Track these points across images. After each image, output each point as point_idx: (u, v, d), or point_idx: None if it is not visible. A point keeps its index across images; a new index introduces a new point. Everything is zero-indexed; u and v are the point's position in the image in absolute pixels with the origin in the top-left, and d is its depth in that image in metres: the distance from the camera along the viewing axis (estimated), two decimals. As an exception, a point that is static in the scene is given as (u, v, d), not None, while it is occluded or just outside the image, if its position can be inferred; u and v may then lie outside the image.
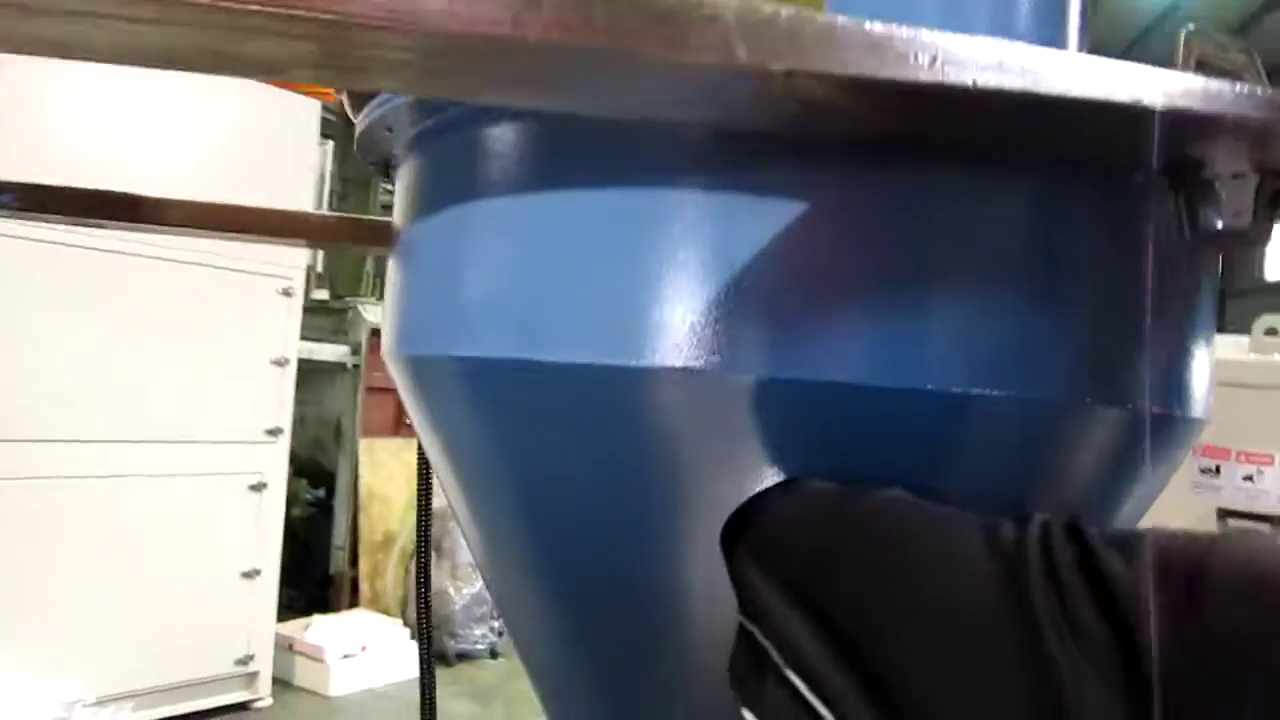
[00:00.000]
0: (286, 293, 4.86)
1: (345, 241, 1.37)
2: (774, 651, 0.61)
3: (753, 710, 0.65)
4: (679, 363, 0.70)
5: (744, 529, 0.72)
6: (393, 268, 1.00)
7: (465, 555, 5.98)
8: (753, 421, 0.72)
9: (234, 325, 4.68)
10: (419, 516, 1.43)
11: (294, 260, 4.97)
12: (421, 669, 1.28)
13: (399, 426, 6.72)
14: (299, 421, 5.83)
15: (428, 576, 1.32)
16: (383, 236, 1.28)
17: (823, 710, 0.56)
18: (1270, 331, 2.07)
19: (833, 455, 0.71)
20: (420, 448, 1.22)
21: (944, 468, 0.72)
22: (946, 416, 0.70)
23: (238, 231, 1.34)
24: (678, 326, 0.71)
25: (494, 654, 6.13)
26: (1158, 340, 0.75)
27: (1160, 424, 0.76)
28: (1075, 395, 0.72)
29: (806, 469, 0.72)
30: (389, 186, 1.06)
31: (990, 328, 0.71)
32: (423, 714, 1.32)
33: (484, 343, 0.81)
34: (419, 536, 1.35)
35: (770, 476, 0.73)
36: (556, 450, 0.82)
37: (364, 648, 5.49)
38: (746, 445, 0.73)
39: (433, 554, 6.00)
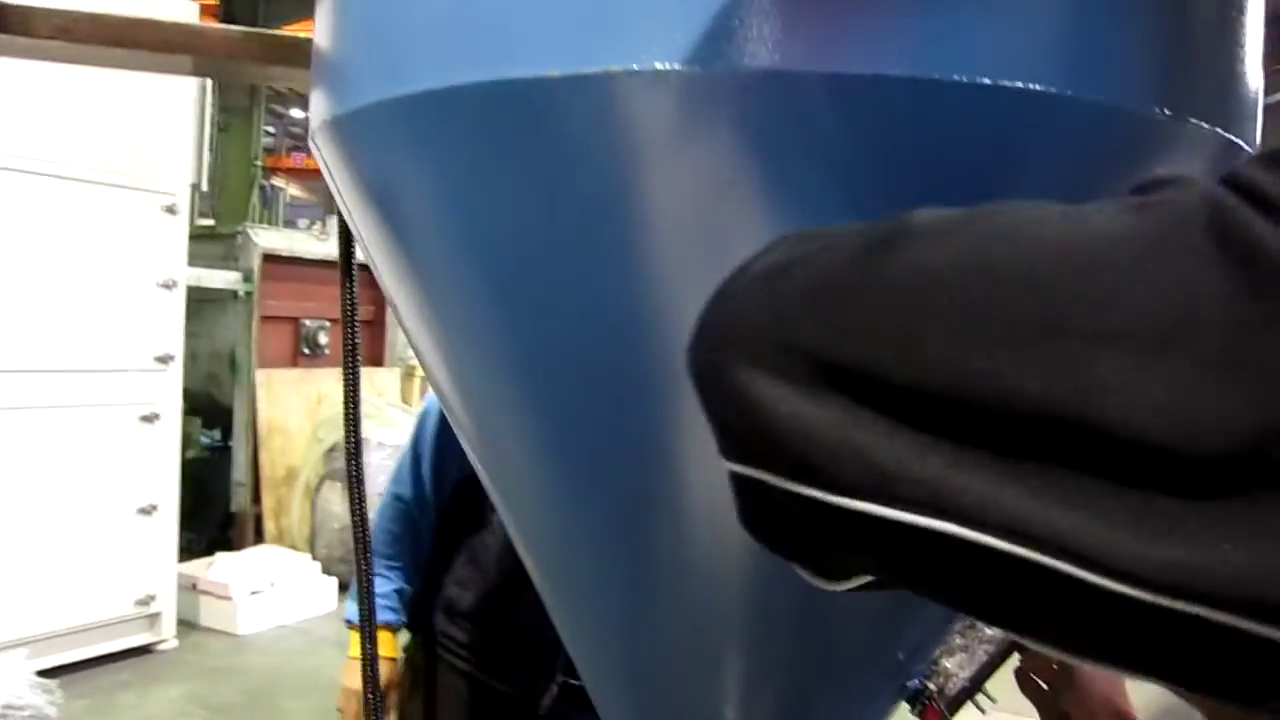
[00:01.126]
0: (170, 210, 4.55)
1: (251, 61, 1.20)
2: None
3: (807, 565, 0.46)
4: (677, 62, 0.58)
5: (753, 318, 0.46)
6: (320, 34, 0.85)
7: (375, 485, 5.80)
8: (770, 125, 0.60)
9: (115, 246, 4.37)
10: (347, 418, 1.27)
11: (177, 176, 4.66)
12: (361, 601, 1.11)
13: (297, 357, 6.46)
14: (190, 356, 5.54)
15: (362, 506, 1.15)
16: (295, 54, 1.11)
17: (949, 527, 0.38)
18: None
19: (875, 159, 0.60)
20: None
21: (1001, 176, 0.62)
22: (1007, 117, 0.60)
23: (122, 46, 1.16)
24: (677, 17, 0.58)
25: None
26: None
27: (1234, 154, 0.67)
28: (1150, 104, 0.62)
29: (838, 187, 0.61)
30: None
31: (1057, 19, 0.60)
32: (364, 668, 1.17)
33: (441, 70, 0.67)
34: (349, 455, 1.18)
35: (787, 205, 0.61)
36: (529, 195, 0.69)
37: (273, 584, 5.29)
38: (757, 157, 0.61)
39: (341, 485, 5.80)
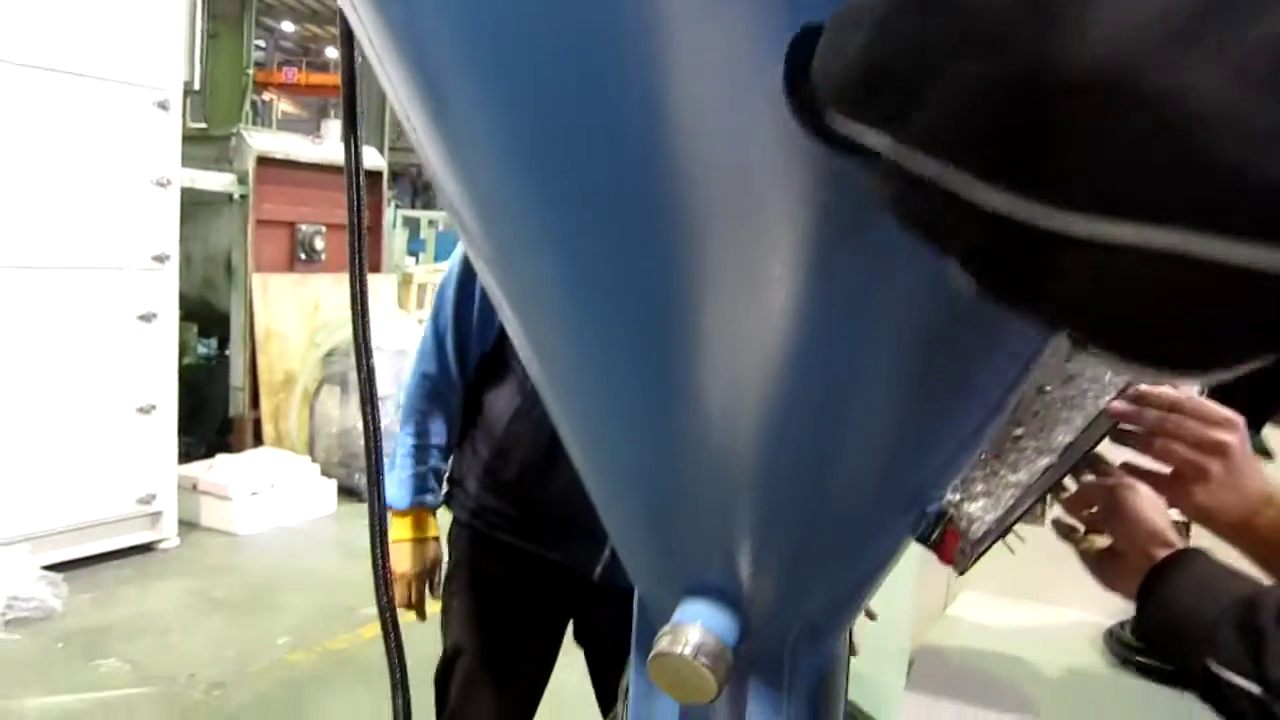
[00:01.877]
0: (162, 106, 4.47)
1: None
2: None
3: None
4: None
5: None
6: None
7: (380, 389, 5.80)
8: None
9: (108, 142, 4.30)
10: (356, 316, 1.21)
11: (169, 72, 4.57)
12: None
13: (293, 262, 6.42)
14: (185, 260, 5.50)
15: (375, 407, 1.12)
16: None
17: None
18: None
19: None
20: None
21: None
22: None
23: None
24: None
25: (407, 489, 6.04)
26: None
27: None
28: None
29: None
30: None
31: None
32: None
33: None
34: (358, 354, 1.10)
35: None
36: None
37: (272, 485, 5.33)
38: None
39: (338, 390, 5.82)
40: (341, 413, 5.91)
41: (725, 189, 0.64)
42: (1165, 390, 0.87)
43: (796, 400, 0.74)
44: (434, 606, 2.09)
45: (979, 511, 0.90)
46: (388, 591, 1.13)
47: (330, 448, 5.96)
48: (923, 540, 0.85)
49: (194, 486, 5.20)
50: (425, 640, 3.61)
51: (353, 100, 0.98)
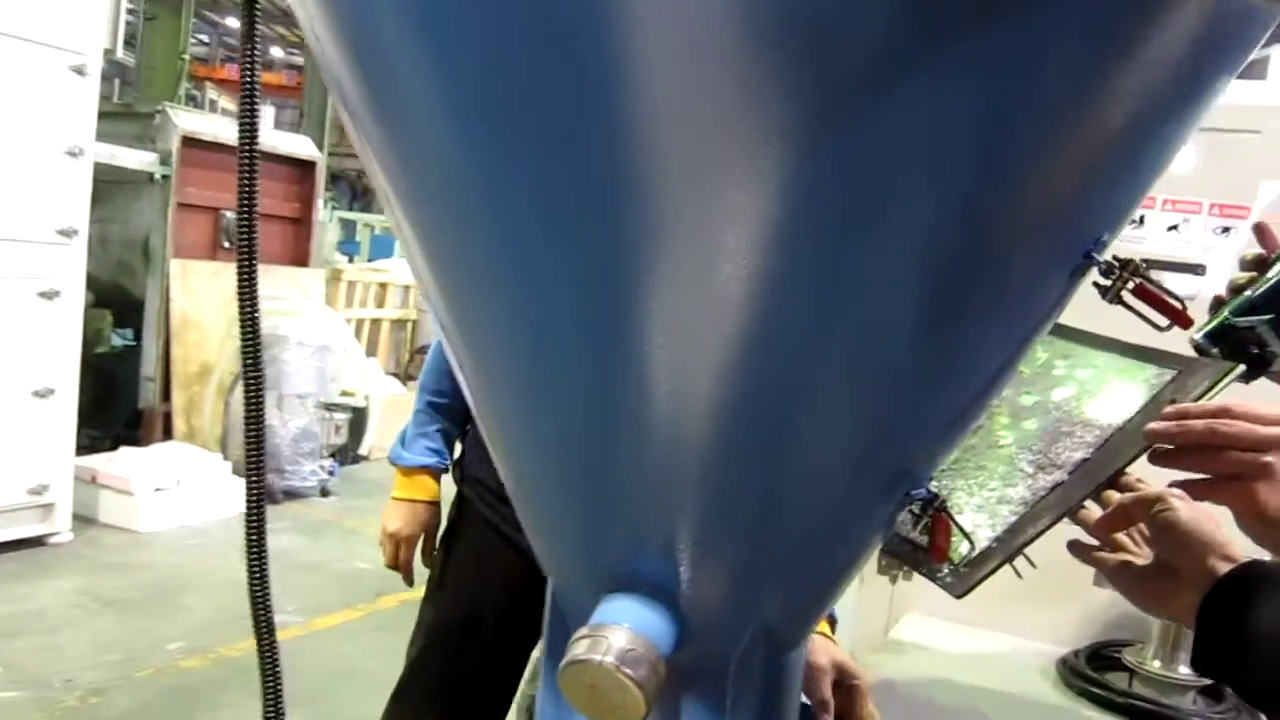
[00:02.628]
0: (79, 71, 4.20)
1: None
2: None
3: None
4: None
5: None
6: None
7: (292, 386, 5.56)
8: None
9: (16, 106, 4.02)
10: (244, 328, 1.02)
11: (88, 35, 4.29)
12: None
13: (216, 250, 6.13)
14: (99, 241, 5.20)
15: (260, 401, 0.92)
16: None
17: None
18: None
19: None
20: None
21: None
22: None
23: None
24: None
25: (324, 492, 5.77)
26: None
27: None
28: None
29: None
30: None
31: None
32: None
33: None
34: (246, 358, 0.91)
35: None
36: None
37: (179, 481, 5.04)
38: None
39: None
40: (259, 409, 5.62)
41: (676, 149, 0.52)
42: (1206, 403, 0.77)
43: (753, 365, 0.59)
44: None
45: (970, 526, 0.75)
46: (266, 605, 0.94)
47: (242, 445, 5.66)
48: (908, 541, 0.70)
49: (93, 479, 4.88)
50: (322, 652, 3.39)
51: (252, 66, 0.79)
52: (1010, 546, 0.76)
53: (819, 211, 0.54)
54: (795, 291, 0.57)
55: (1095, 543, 0.85)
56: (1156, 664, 1.66)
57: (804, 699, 1.11)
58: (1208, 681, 1.63)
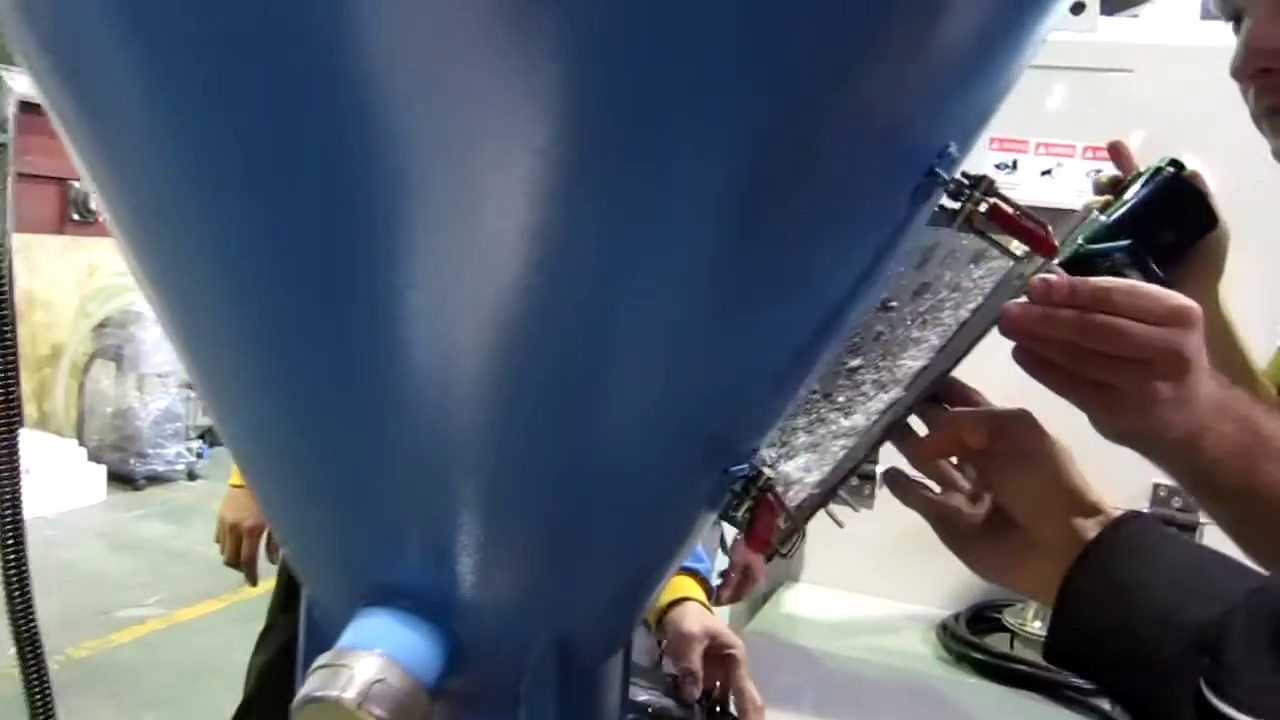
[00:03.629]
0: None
1: None
2: None
3: None
4: None
5: None
6: None
7: (151, 365, 5.24)
8: None
9: None
10: None
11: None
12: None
13: (64, 223, 5.73)
14: (-69, 214, 4.79)
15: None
16: None
17: None
18: (1077, 7, 1.85)
19: None
20: None
21: None
22: None
23: None
24: None
25: (192, 475, 5.48)
26: None
27: None
28: None
29: None
30: None
31: None
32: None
33: None
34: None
35: None
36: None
37: (28, 470, 4.69)
38: None
39: (114, 366, 5.23)
40: (117, 390, 5.29)
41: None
42: (1086, 280, 0.57)
43: (528, 321, 0.45)
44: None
45: (798, 471, 0.62)
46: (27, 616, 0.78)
47: (103, 429, 5.33)
48: (727, 518, 0.57)
49: (-69, 472, 4.52)
50: (183, 646, 3.17)
51: None
52: (829, 487, 0.62)
53: (600, 123, 0.40)
54: (577, 226, 0.43)
55: (921, 476, 0.65)
56: (1037, 625, 1.60)
57: (671, 669, 1.00)
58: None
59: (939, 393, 0.63)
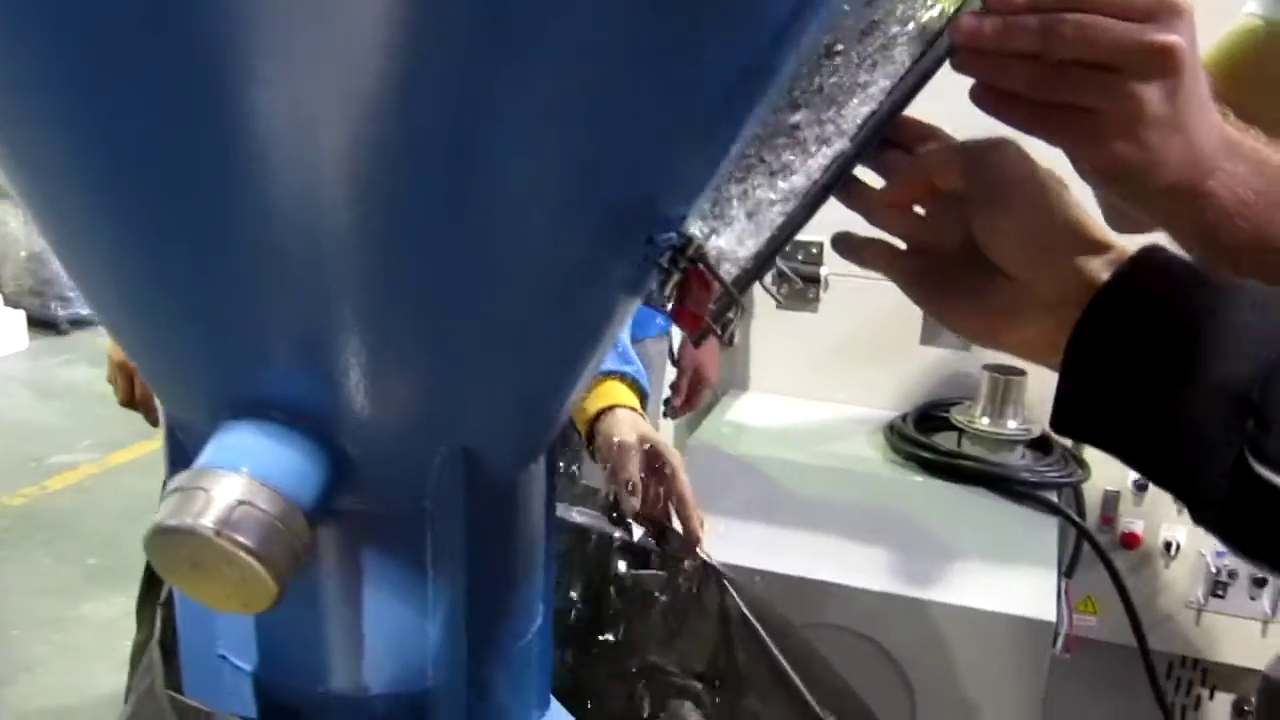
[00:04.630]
0: None
1: None
2: None
3: None
4: None
5: None
6: None
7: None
8: None
9: None
10: None
11: None
12: None
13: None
14: None
15: None
16: None
17: None
18: None
19: None
20: None
21: None
22: None
23: None
24: None
25: (119, 318, 5.28)
26: None
27: None
28: None
29: None
30: None
31: None
32: None
33: None
34: None
35: None
36: None
37: (-58, 320, 4.50)
38: None
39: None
40: (28, 232, 5.02)
41: None
42: None
43: (405, 56, 0.35)
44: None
45: (731, 245, 0.52)
46: None
47: (19, 274, 5.09)
48: (653, 302, 0.48)
49: None
50: (120, 490, 3.09)
51: None
52: (763, 258, 0.52)
53: None
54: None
55: (877, 234, 0.54)
56: (985, 421, 1.57)
57: (608, 483, 0.94)
58: (1036, 435, 1.57)
59: (892, 137, 0.53)
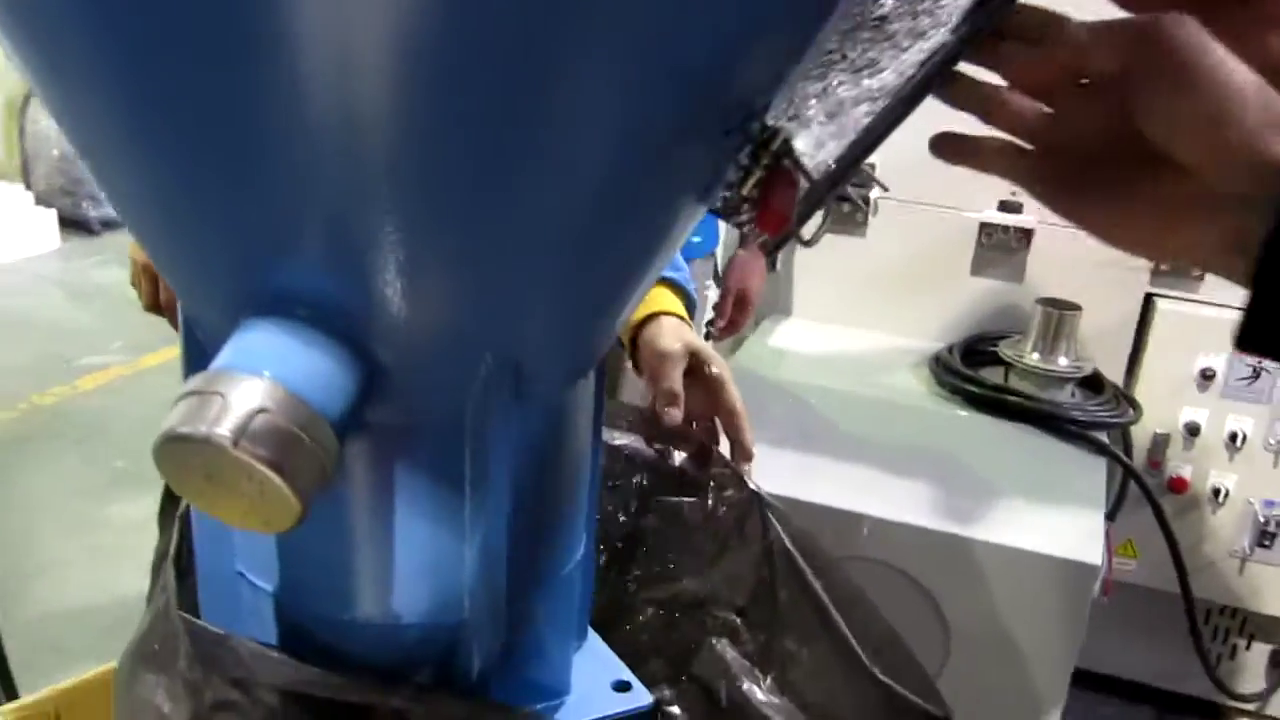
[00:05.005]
0: None
1: None
2: None
3: None
4: None
5: None
6: None
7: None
8: None
9: None
10: None
11: None
12: None
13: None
14: None
15: None
16: None
17: None
18: None
19: None
20: None
21: None
22: None
23: None
24: None
25: (150, 221, 5.25)
26: None
27: None
28: None
29: None
30: None
31: None
32: None
33: None
34: None
35: None
36: None
37: (-26, 217, 4.48)
38: None
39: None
40: (59, 131, 4.98)
41: None
42: None
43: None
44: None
45: (809, 148, 0.46)
46: None
47: (50, 174, 5.05)
48: (725, 208, 0.43)
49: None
50: (148, 393, 3.09)
51: None
52: (849, 165, 0.46)
53: None
54: None
55: (980, 130, 0.47)
56: (1035, 356, 1.51)
57: (649, 394, 0.88)
58: (1087, 372, 1.50)
59: (1005, 28, 0.46)
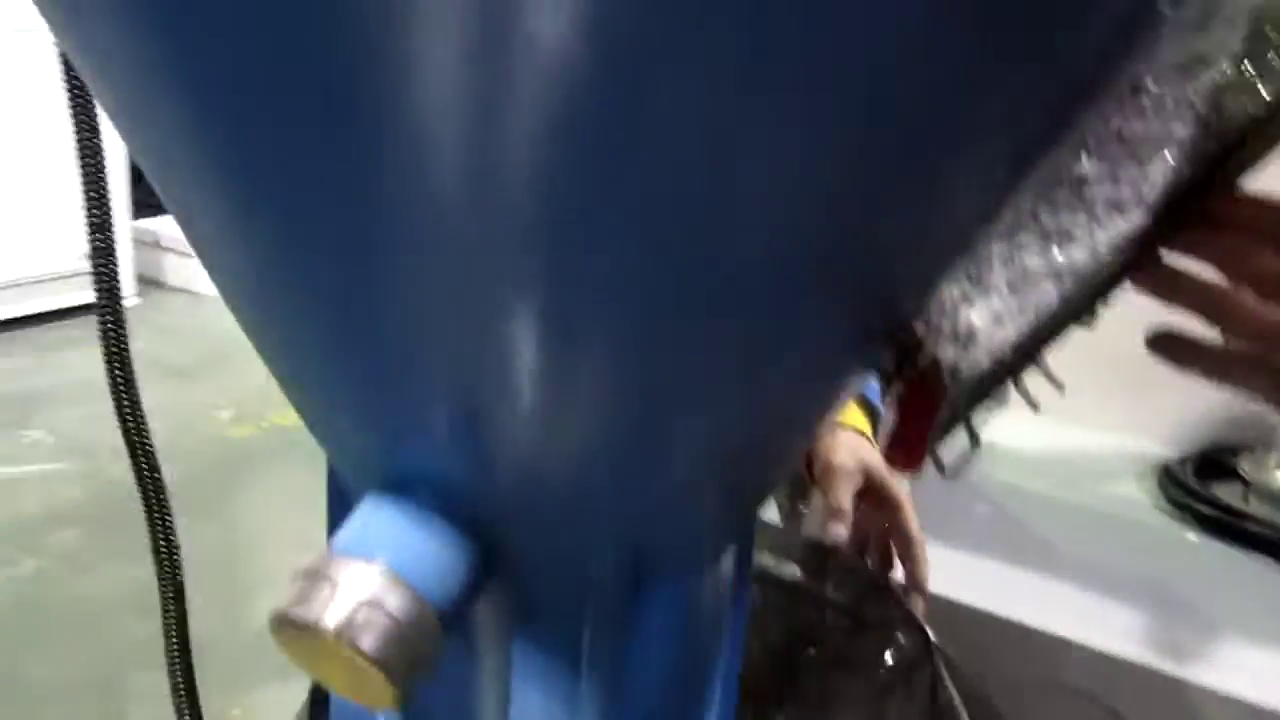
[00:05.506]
0: None
1: None
2: None
3: None
4: None
5: None
6: None
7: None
8: None
9: None
10: None
11: None
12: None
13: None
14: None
15: None
16: None
17: None
18: None
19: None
20: None
21: None
22: None
23: None
24: None
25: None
26: None
27: None
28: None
29: None
30: None
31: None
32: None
33: None
34: None
35: None
36: None
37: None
38: None
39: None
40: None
41: None
42: None
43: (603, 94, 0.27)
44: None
45: (985, 322, 0.41)
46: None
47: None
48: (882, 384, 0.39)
49: (156, 242, 4.78)
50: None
51: None
52: (1022, 351, 0.41)
53: None
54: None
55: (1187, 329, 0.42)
56: (1279, 474, 1.36)
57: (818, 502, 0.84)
58: (1344, 499, 1.33)
59: (1222, 217, 0.41)
